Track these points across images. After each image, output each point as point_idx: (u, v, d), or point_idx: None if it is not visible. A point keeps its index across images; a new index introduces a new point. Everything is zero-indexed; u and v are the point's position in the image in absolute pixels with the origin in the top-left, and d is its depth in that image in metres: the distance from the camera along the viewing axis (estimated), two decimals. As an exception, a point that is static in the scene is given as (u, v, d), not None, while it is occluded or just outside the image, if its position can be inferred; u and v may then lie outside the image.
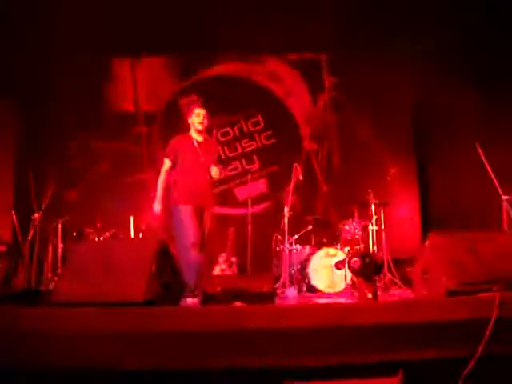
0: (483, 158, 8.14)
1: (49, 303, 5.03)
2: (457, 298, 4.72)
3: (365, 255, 6.11)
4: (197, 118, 7.37)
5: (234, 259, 9.57)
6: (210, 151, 7.45)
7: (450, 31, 10.06)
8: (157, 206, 7.47)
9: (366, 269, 5.59)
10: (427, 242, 5.37)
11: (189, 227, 6.97)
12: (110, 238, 9.08)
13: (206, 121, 7.41)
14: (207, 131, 7.70)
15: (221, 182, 11.37)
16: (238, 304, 5.03)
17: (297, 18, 10.03)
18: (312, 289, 8.56)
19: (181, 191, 7.20)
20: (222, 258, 9.53)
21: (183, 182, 7.24)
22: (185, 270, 6.36)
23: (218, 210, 11.10)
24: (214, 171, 7.18)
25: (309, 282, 8.61)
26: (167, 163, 7.42)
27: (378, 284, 8.12)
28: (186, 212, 7.05)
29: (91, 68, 11.19)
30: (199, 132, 7.42)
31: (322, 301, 7.27)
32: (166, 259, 5.07)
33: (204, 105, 7.59)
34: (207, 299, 5.59)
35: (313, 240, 9.08)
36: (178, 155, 7.34)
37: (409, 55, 10.75)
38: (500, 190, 8.03)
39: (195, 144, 7.33)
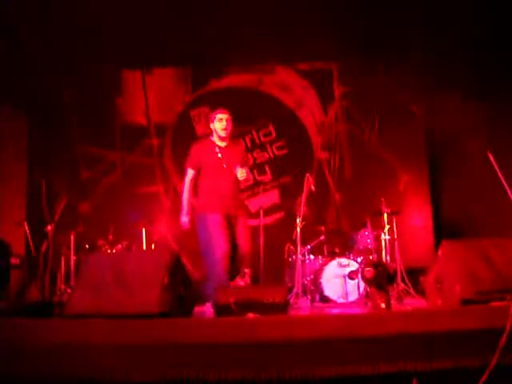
0: (495, 165, 8.12)
1: (62, 315, 5.05)
2: (471, 307, 4.70)
3: (377, 265, 6.09)
4: (219, 123, 7.17)
5: (246, 270, 9.54)
6: (233, 156, 7.17)
7: (461, 38, 10.05)
8: (184, 219, 7.23)
9: (379, 278, 5.57)
10: (440, 251, 5.35)
11: (217, 238, 6.74)
12: (123, 250, 9.08)
13: (229, 126, 7.21)
14: (232, 137, 7.47)
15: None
16: (251, 315, 5.02)
17: (307, 27, 10.03)
18: (325, 299, 8.53)
19: (207, 199, 6.99)
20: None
21: (208, 189, 7.02)
22: (212, 284, 6.41)
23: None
24: (240, 172, 6.90)
25: (322, 292, 8.57)
26: (190, 172, 7.22)
27: (391, 294, 8.12)
28: (213, 221, 6.79)
29: (103, 80, 11.25)
30: (222, 139, 7.22)
31: (335, 311, 7.25)
32: (178, 270, 5.07)
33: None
34: (220, 310, 5.56)
35: (325, 250, 9.04)
36: (200, 162, 7.14)
37: (419, 65, 10.76)
38: (512, 198, 8.01)
39: (217, 150, 7.11)
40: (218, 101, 11.40)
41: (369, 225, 9.14)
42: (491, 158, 8.11)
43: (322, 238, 8.89)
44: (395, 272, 6.25)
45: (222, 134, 7.16)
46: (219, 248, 6.67)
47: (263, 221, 9.23)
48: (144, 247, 9.59)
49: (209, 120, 7.49)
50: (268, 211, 10.33)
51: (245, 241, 6.97)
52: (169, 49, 10.77)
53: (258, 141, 11.64)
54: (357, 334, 4.29)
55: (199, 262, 10.49)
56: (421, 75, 11.26)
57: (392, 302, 6.62)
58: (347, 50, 10.29)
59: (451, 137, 11.24)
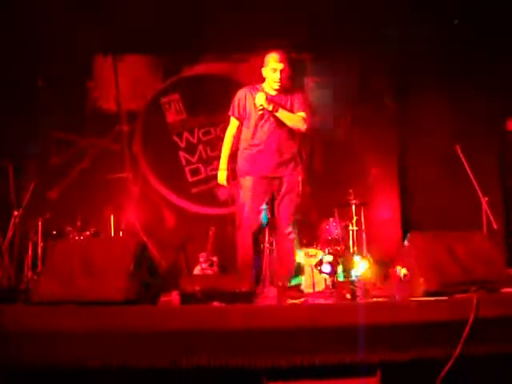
0: (463, 159, 8.21)
1: (28, 302, 5.03)
2: (435, 299, 4.74)
3: (343, 256, 6.13)
4: (272, 73, 6.13)
5: (214, 259, 9.55)
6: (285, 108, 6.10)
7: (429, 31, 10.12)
8: (221, 176, 6.43)
9: (344, 269, 5.61)
10: (406, 243, 5.39)
11: (248, 204, 6.00)
12: (90, 237, 9.04)
13: (285, 77, 6.15)
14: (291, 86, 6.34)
15: (201, 181, 11.43)
16: (216, 304, 5.03)
17: (281, 17, 10.01)
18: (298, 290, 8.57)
19: (244, 158, 6.22)
20: (202, 257, 9.51)
21: (248, 147, 6.18)
22: (241, 261, 5.79)
23: (200, 209, 11.24)
24: (258, 97, 5.97)
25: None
26: (234, 123, 6.41)
27: (357, 285, 8.16)
28: (247, 184, 6.06)
29: (73, 65, 11.14)
30: (276, 90, 6.22)
31: (301, 301, 7.26)
32: (144, 258, 5.06)
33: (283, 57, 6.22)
34: (186, 299, 5.56)
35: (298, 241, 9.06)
36: (245, 112, 6.27)
37: (390, 55, 10.82)
38: (480, 192, 8.10)
39: (264, 101, 6.00)
40: (189, 89, 11.43)
41: (337, 216, 9.19)
42: (459, 151, 8.21)
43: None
44: (364, 263, 6.28)
45: (275, 86, 6.20)
46: (248, 217, 5.92)
47: (232, 209, 9.24)
48: (112, 234, 9.56)
49: (263, 63, 6.36)
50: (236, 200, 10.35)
51: (285, 210, 6.08)
52: (141, 35, 10.71)
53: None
54: (322, 324, 4.31)
55: (167, 250, 10.55)
56: (394, 69, 11.35)
57: (358, 293, 6.66)
58: (321, 41, 10.31)
59: (421, 130, 11.33)
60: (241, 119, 6.29)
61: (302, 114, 6.20)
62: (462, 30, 10.52)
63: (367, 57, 11.21)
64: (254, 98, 6.13)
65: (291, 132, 5.93)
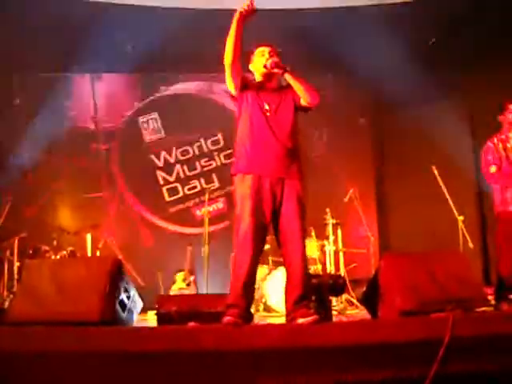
0: (439, 178, 8.27)
1: (2, 322, 4.98)
2: (411, 318, 4.75)
3: (320, 276, 6.13)
4: (261, 57, 5.44)
5: (192, 278, 9.54)
6: (282, 103, 5.39)
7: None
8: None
9: (321, 289, 5.60)
10: (382, 263, 5.41)
11: (244, 207, 5.07)
12: (67, 257, 8.99)
13: (276, 59, 5.34)
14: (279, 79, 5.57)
15: (179, 200, 11.42)
16: (191, 324, 5.02)
17: (257, 37, 10.05)
18: (268, 308, 8.57)
19: (241, 153, 5.32)
20: (179, 276, 9.50)
21: (244, 140, 5.31)
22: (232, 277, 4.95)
23: (177, 228, 11.24)
24: (269, 62, 5.26)
25: (265, 301, 8.61)
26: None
27: (334, 304, 8.18)
28: (244, 185, 5.15)
29: (51, 84, 11.12)
30: (267, 77, 5.46)
31: (278, 321, 7.25)
32: (120, 278, 5.03)
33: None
34: (162, 319, 5.53)
35: (270, 260, 9.06)
36: (245, 99, 5.40)
37: (365, 73, 10.91)
38: (455, 211, 8.15)
39: (260, 95, 5.37)
40: (166, 108, 11.45)
41: (313, 235, 9.22)
42: (435, 171, 8.27)
43: (268, 247, 8.91)
44: (338, 283, 6.27)
45: (262, 70, 5.43)
46: (244, 222, 5.00)
47: (209, 229, 9.25)
48: (88, 254, 9.52)
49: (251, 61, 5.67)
50: (214, 219, 10.35)
51: (288, 216, 5.08)
52: (119, 55, 10.71)
53: (205, 149, 11.64)
54: (297, 344, 4.30)
55: (144, 268, 10.52)
56: (369, 87, 11.44)
57: (334, 312, 6.67)
58: (295, 61, 10.33)
59: (398, 150, 11.42)
60: (244, 79, 5.42)
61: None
62: (437, 51, 10.63)
63: (342, 77, 11.29)
64: (251, 86, 5.44)
65: (293, 124, 5.53)
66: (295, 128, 5.34)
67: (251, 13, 5.07)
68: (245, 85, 5.34)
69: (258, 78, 5.55)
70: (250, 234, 4.87)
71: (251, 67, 5.58)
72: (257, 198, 4.98)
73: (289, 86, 5.37)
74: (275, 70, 5.26)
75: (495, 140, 6.94)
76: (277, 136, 5.15)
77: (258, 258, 4.98)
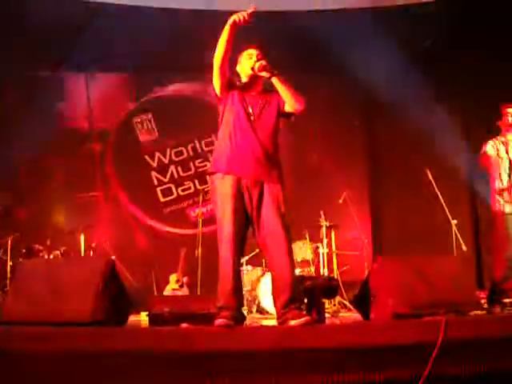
0: (433, 182, 8.27)
1: (-5, 322, 4.97)
2: (403, 321, 4.76)
3: (313, 278, 6.13)
4: (248, 60, 5.35)
5: (185, 279, 9.54)
6: (266, 107, 5.31)
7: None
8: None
9: (314, 291, 5.59)
10: (375, 266, 5.41)
11: (225, 210, 5.04)
12: (60, 256, 8.97)
13: (264, 62, 5.24)
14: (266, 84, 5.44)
15: (173, 201, 11.41)
16: (184, 325, 5.01)
17: (254, 40, 10.05)
18: (261, 310, 8.57)
19: (220, 153, 5.25)
20: (173, 277, 9.49)
21: (229, 143, 5.19)
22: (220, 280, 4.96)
23: (171, 229, 11.23)
24: (257, 65, 5.16)
25: (259, 303, 8.61)
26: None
27: (327, 307, 8.18)
28: (223, 186, 5.08)
29: (45, 84, 11.10)
30: (253, 80, 5.38)
31: (271, 323, 7.24)
32: (113, 279, 5.01)
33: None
34: (154, 320, 5.53)
35: (264, 261, 9.05)
36: (230, 100, 5.35)
37: (359, 75, 10.91)
38: (449, 214, 8.16)
39: (246, 99, 5.29)
40: (161, 109, 11.44)
41: (307, 237, 9.23)
42: (429, 174, 8.28)
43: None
44: (332, 285, 6.26)
45: (249, 72, 5.34)
46: (226, 225, 4.99)
47: (203, 230, 9.24)
48: (82, 254, 9.50)
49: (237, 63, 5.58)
50: (208, 221, 10.32)
51: (268, 219, 5.02)
52: (113, 55, 10.69)
53: (200, 150, 11.63)
54: (290, 346, 4.30)
55: (137, 269, 10.50)
56: (363, 90, 11.44)
57: (328, 315, 6.67)
58: (288, 63, 10.32)
59: (393, 154, 11.43)
60: (230, 80, 5.39)
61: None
62: (431, 54, 10.66)
63: (337, 79, 11.29)
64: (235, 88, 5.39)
65: (276, 129, 5.47)
66: (277, 133, 5.30)
67: (245, 24, 5.04)
68: (230, 86, 5.31)
69: (244, 80, 5.48)
70: (233, 237, 4.88)
71: (238, 69, 5.52)
72: (237, 200, 4.98)
73: (274, 90, 5.34)
74: (263, 74, 5.20)
75: (496, 142, 6.97)
76: (259, 139, 5.11)
77: (240, 259, 5.04)
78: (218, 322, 4.54)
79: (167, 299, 7.34)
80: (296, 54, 10.20)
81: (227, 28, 5.09)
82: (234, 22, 5.03)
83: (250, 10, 4.98)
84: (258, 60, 5.27)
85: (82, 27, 9.73)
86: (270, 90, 5.38)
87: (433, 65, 10.80)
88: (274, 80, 5.19)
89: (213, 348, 4.22)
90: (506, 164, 6.87)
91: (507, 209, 6.81)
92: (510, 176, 6.83)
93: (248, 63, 5.35)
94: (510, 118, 6.92)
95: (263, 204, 5.02)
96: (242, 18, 4.98)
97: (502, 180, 6.88)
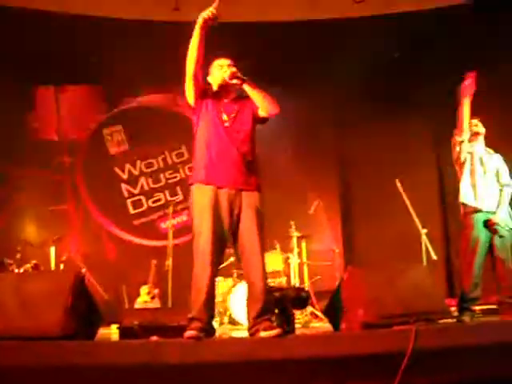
0: (402, 192, 8.31)
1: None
2: (373, 330, 4.77)
3: (283, 289, 6.12)
4: (220, 70, 5.33)
5: (156, 291, 9.50)
6: (240, 113, 5.28)
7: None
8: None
9: (284, 302, 5.59)
10: (345, 276, 5.43)
11: (200, 218, 4.97)
12: (30, 270, 8.90)
13: (234, 70, 5.27)
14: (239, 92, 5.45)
15: (143, 213, 11.37)
16: (154, 338, 4.99)
17: (223, 52, 10.06)
18: (233, 321, 8.55)
19: (198, 163, 5.21)
20: (144, 290, 9.45)
21: (202, 149, 5.19)
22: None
23: (142, 241, 11.18)
24: (228, 73, 5.16)
25: (230, 314, 8.60)
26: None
27: (299, 317, 8.18)
28: (200, 195, 5.05)
29: (14, 96, 11.01)
30: (225, 89, 5.37)
31: (242, 334, 7.22)
32: (83, 292, 4.98)
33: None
34: (124, 333, 5.49)
35: (235, 272, 9.05)
36: (204, 110, 5.28)
37: (330, 85, 10.96)
38: (419, 224, 8.19)
39: (220, 106, 5.26)
40: (131, 120, 11.41)
41: (278, 248, 9.24)
42: (398, 184, 8.32)
43: (232, 260, 8.90)
44: (302, 295, 6.27)
45: (221, 82, 5.33)
46: (203, 236, 4.90)
47: (173, 242, 9.21)
48: (52, 267, 9.42)
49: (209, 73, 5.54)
50: (178, 232, 10.29)
51: (246, 228, 5.03)
52: (83, 66, 10.64)
53: (170, 161, 11.62)
54: (260, 358, 4.30)
55: (108, 281, 10.44)
56: (334, 100, 11.49)
57: (299, 325, 6.66)
58: (255, 74, 10.31)
59: (362, 164, 11.49)
60: (204, 89, 5.33)
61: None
62: (400, 65, 10.73)
63: (307, 89, 11.31)
64: (209, 96, 5.32)
65: (252, 135, 5.44)
66: (253, 139, 5.30)
67: (214, 19, 5.03)
68: (203, 95, 5.29)
69: (216, 89, 5.45)
70: (209, 248, 4.86)
71: (210, 79, 5.50)
72: (216, 210, 4.97)
73: (247, 97, 5.36)
74: (234, 81, 5.21)
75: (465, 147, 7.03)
76: (235, 147, 5.11)
77: (216, 271, 4.99)
78: (188, 334, 4.52)
79: (138, 312, 7.30)
80: (267, 66, 10.19)
81: (197, 30, 5.07)
82: (204, 20, 5.00)
83: (214, 4, 4.98)
84: (228, 68, 5.29)
85: (52, 39, 9.69)
86: (243, 96, 5.40)
87: (403, 77, 10.87)
88: (246, 87, 5.20)
89: (183, 360, 4.21)
90: (476, 170, 6.93)
91: (475, 215, 6.86)
92: (475, 186, 6.89)
93: (219, 73, 5.35)
94: (474, 129, 7.01)
95: (242, 214, 5.03)
96: (210, 13, 4.98)
97: (472, 186, 6.93)
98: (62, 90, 11.69)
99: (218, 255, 4.97)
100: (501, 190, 6.92)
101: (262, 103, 5.25)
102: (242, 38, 9.49)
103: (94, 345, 4.76)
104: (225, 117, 5.22)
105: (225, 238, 5.04)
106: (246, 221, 5.02)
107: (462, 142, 6.97)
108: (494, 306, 7.21)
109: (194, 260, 4.94)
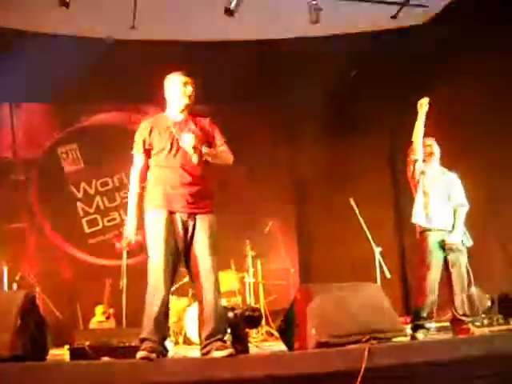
0: (357, 211, 8.35)
1: None
2: (326, 349, 4.76)
3: (236, 308, 6.09)
4: (182, 87, 5.23)
5: (111, 311, 9.42)
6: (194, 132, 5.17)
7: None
8: (129, 230, 5.28)
9: (237, 321, 5.57)
10: (297, 295, 5.43)
11: (155, 241, 4.98)
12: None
13: (193, 92, 5.30)
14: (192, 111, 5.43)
15: (99, 232, 11.28)
16: (105, 359, 4.93)
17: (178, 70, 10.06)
18: (188, 341, 8.50)
19: (152, 191, 5.17)
20: (99, 309, 9.37)
21: (156, 178, 5.17)
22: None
23: (96, 260, 11.08)
24: (188, 139, 5.02)
25: (185, 333, 8.55)
26: (138, 160, 5.29)
27: (255, 336, 8.16)
28: (154, 219, 5.02)
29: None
30: (181, 110, 5.31)
31: (196, 354, 7.16)
32: (32, 312, 4.91)
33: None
34: (75, 354, 5.41)
35: (190, 292, 9.00)
36: (152, 143, 5.21)
37: (287, 103, 11.01)
38: (373, 242, 8.24)
39: (171, 126, 5.19)
40: (86, 139, 11.32)
41: (233, 267, 9.22)
42: (352, 203, 8.37)
43: (186, 279, 8.85)
44: (255, 315, 6.24)
45: (186, 101, 5.29)
46: (156, 261, 4.90)
47: (128, 261, 9.13)
48: (5, 287, 9.30)
49: (167, 87, 5.44)
50: (133, 252, 10.21)
51: (198, 249, 5.03)
52: (38, 84, 10.55)
53: (125, 180, 11.53)
54: (212, 378, 4.28)
55: (62, 301, 10.31)
56: (290, 119, 11.54)
57: (252, 345, 6.63)
58: (217, 95, 10.32)
59: (318, 181, 11.53)
60: (147, 154, 5.30)
61: (224, 147, 5.43)
62: (355, 84, 10.81)
63: (264, 108, 11.35)
64: (157, 126, 5.29)
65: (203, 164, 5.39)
66: (206, 162, 5.27)
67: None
68: (150, 140, 5.27)
69: (170, 112, 5.39)
70: (162, 272, 4.87)
71: (166, 95, 5.40)
72: (169, 234, 4.97)
73: (202, 117, 5.43)
74: (194, 156, 5.11)
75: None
76: (186, 170, 5.11)
77: (169, 291, 4.98)
78: (140, 354, 4.48)
79: (90, 332, 7.24)
80: (221, 83, 10.20)
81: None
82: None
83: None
84: (192, 91, 5.27)
85: (7, 55, 9.61)
86: (199, 117, 5.39)
87: (358, 95, 10.95)
88: (205, 156, 5.17)
89: (133, 382, 4.17)
90: (429, 190, 6.99)
91: (429, 233, 6.91)
92: (427, 205, 6.95)
93: (183, 91, 5.26)
94: (427, 149, 7.08)
95: (194, 236, 5.03)
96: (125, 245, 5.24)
97: (424, 205, 6.99)
98: (16, 107, 11.56)
99: (170, 276, 4.96)
100: (455, 210, 6.99)
101: (221, 164, 5.30)
102: (192, 56, 9.48)
103: (44, 366, 4.68)
104: (177, 136, 5.17)
105: (178, 259, 5.06)
106: (198, 242, 5.04)
107: (416, 160, 7.03)
108: (447, 324, 7.26)
109: (148, 284, 4.94)
